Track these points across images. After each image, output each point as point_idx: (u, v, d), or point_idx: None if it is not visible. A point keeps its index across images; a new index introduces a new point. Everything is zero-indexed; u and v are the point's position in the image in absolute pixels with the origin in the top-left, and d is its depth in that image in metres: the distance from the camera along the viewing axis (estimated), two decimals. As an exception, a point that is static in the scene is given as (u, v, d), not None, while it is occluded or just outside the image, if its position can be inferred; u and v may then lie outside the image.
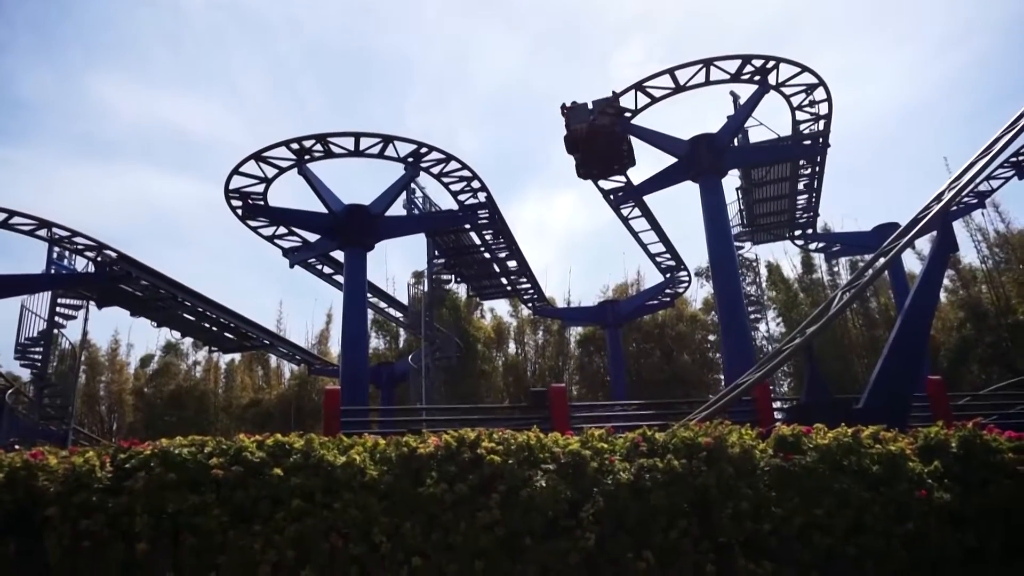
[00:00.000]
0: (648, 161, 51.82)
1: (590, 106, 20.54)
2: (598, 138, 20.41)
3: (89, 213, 72.17)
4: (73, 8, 75.77)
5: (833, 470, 5.44)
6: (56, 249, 21.56)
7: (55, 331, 21.93)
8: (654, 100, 20.12)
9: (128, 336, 54.35)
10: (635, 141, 21.03)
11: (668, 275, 29.24)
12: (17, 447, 5.21)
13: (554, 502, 4.96)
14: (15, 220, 20.11)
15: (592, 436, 5.59)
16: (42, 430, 19.83)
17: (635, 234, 25.61)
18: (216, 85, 73.77)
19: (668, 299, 31.11)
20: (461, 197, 22.55)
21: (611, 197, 23.10)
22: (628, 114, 20.41)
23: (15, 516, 4.49)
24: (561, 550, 4.84)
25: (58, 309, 22.01)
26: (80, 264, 22.22)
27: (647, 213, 24.27)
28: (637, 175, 22.19)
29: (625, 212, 24.20)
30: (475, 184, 22.03)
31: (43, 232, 20.85)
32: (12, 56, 71.41)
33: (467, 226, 23.72)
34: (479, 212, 22.87)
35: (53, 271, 21.51)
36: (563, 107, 20.62)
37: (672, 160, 20.64)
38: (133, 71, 71.15)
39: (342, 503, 4.76)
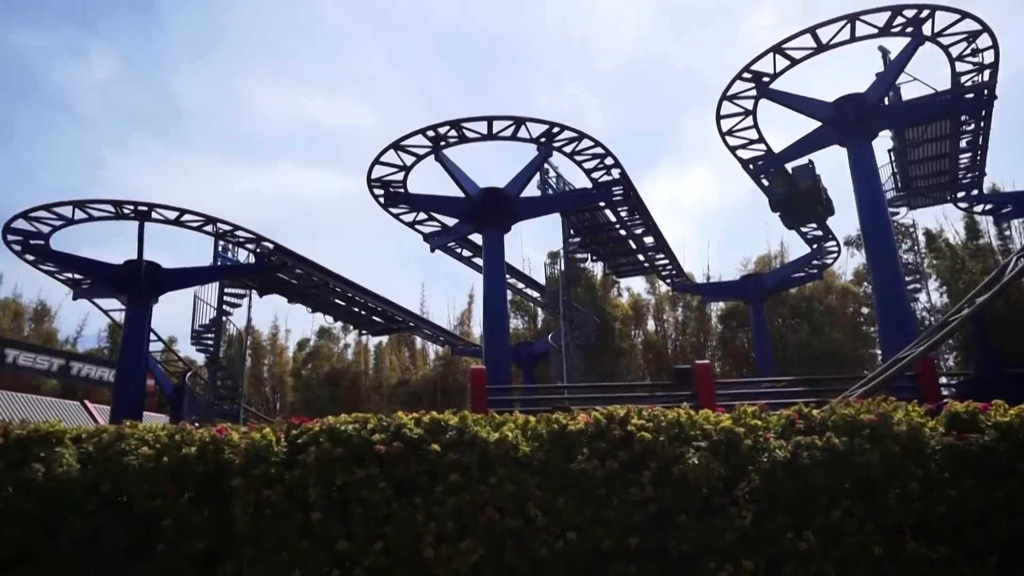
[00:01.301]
0: (789, 125, 49.44)
1: (789, 170, 22.45)
2: (803, 200, 23.15)
3: (245, 208, 77.54)
4: (219, 16, 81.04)
5: (1017, 450, 5.02)
6: (221, 243, 23.31)
7: (224, 318, 23.79)
8: (794, 62, 19.17)
9: (286, 322, 58.18)
10: (774, 107, 20.13)
11: (815, 246, 27.86)
12: (197, 424, 5.70)
13: (708, 479, 4.88)
14: (185, 217, 21.88)
15: (745, 413, 5.44)
16: (217, 409, 21.62)
17: (764, 188, 24.51)
18: (349, 79, 76.96)
19: (815, 271, 29.66)
20: (594, 175, 22.43)
21: (751, 167, 22.25)
22: (765, 79, 19.57)
23: (206, 486, 4.93)
24: (717, 528, 4.76)
25: (225, 298, 23.86)
26: (242, 256, 23.95)
27: (781, 170, 23.19)
28: (778, 141, 21.29)
29: (766, 181, 23.24)
30: (608, 161, 21.84)
31: (209, 228, 22.58)
32: (171, 68, 77.53)
33: (601, 204, 23.57)
34: (613, 189, 22.66)
35: (219, 263, 23.30)
36: (768, 170, 22.76)
37: (815, 124, 19.60)
38: (274, 72, 75.47)
39: (497, 478, 4.90)
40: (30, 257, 22.33)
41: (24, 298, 38.89)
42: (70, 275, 23.40)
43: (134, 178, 71.85)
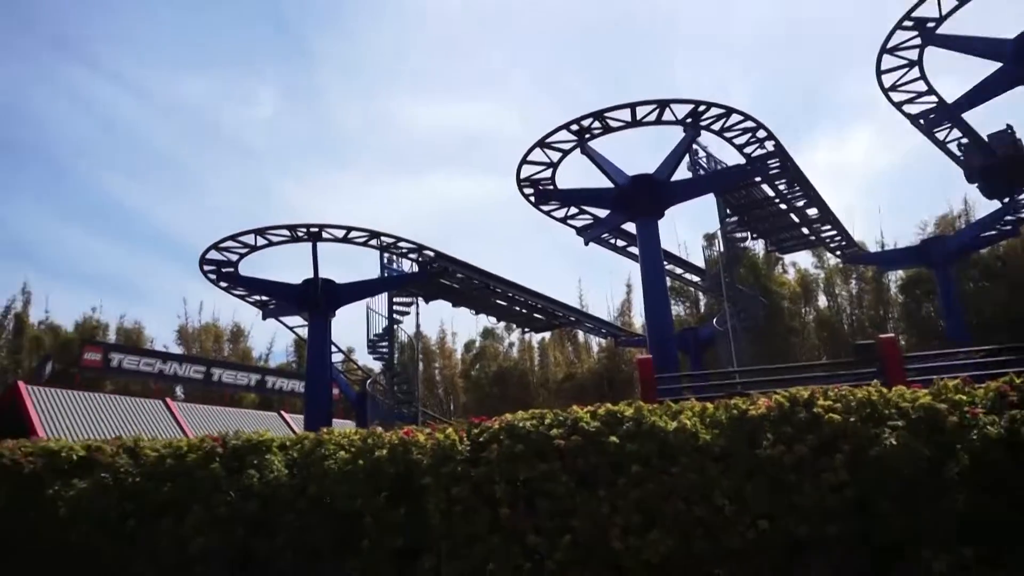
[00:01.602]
0: (962, 71, 45.02)
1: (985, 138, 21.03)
2: (1005, 168, 21.42)
3: (404, 220, 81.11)
4: (362, 40, 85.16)
5: None
6: (386, 255, 24.53)
7: (395, 326, 25.02)
8: (963, 1, 17.46)
9: (452, 325, 60.26)
10: (944, 54, 18.44)
11: (1006, 200, 25.21)
12: (379, 428, 6.01)
13: (910, 461, 4.54)
14: (352, 234, 23.20)
15: (945, 388, 5.00)
16: (397, 413, 22.77)
17: (957, 159, 22.45)
18: (489, 85, 78.41)
19: (1009, 227, 26.83)
20: (747, 150, 21.52)
21: (922, 122, 20.52)
22: (931, 24, 17.97)
23: (399, 485, 5.20)
24: (927, 513, 4.42)
25: (394, 307, 25.09)
26: (406, 266, 25.07)
27: (968, 132, 21.15)
28: (950, 92, 19.48)
29: (941, 135, 21.33)
30: (760, 134, 20.87)
31: (374, 242, 23.81)
32: (326, 95, 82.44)
33: (757, 179, 22.58)
34: (769, 162, 21.64)
35: (386, 275, 24.53)
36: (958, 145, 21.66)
37: (995, 66, 17.75)
38: (418, 86, 78.31)
39: (680, 467, 4.81)
40: (223, 284, 24.53)
41: (221, 321, 42.81)
42: (258, 297, 25.49)
43: (303, 202, 77.18)
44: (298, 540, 5.20)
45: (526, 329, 32.87)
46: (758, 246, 30.01)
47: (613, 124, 20.51)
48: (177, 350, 39.46)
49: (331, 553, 5.08)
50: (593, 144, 20.99)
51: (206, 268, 23.72)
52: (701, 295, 35.76)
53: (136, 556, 5.14)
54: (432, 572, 4.92)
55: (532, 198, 22.53)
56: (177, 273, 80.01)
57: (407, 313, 25.79)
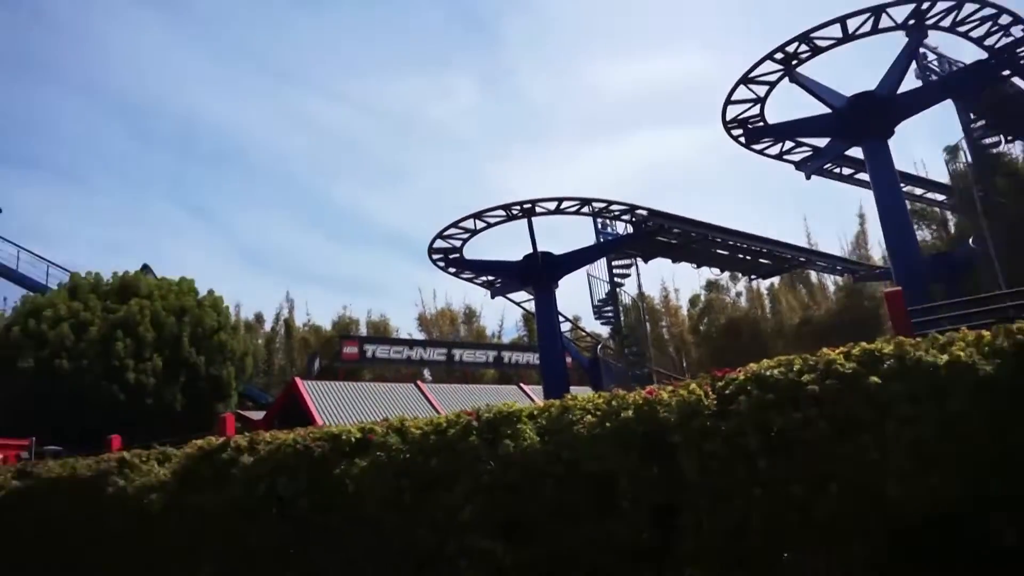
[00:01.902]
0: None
1: None
2: None
3: (612, 183, 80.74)
4: (544, 11, 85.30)
5: None
6: (599, 220, 24.59)
7: (616, 290, 25.09)
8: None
9: (674, 282, 59.20)
10: None
11: None
12: (620, 391, 6.01)
13: None
14: (564, 205, 23.52)
15: None
16: (631, 375, 22.88)
17: None
18: (677, 33, 75.29)
19: None
20: (988, 41, 18.82)
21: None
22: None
23: (647, 444, 5.20)
24: None
25: (614, 271, 25.13)
26: (620, 228, 24.97)
27: None
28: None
29: None
30: (1003, 20, 18.16)
31: (586, 209, 23.96)
32: (519, 74, 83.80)
33: (1006, 72, 19.70)
34: (1018, 51, 18.79)
35: (602, 240, 24.61)
36: None
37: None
38: (607, 47, 77.08)
39: (957, 405, 4.33)
40: (451, 269, 26.00)
41: (453, 305, 45.47)
42: (484, 278, 26.72)
43: (513, 181, 79.59)
44: (558, 503, 5.38)
45: (752, 277, 31.49)
46: (1015, 149, 26.23)
47: (822, 44, 18.88)
48: (419, 336, 42.57)
49: (591, 513, 5.21)
50: (801, 71, 19.49)
51: (434, 256, 25.26)
52: (949, 215, 32.03)
53: (416, 525, 5.59)
54: (693, 528, 4.88)
55: (742, 139, 21.43)
56: (410, 265, 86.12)
57: (627, 275, 25.75)
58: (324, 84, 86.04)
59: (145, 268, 32.61)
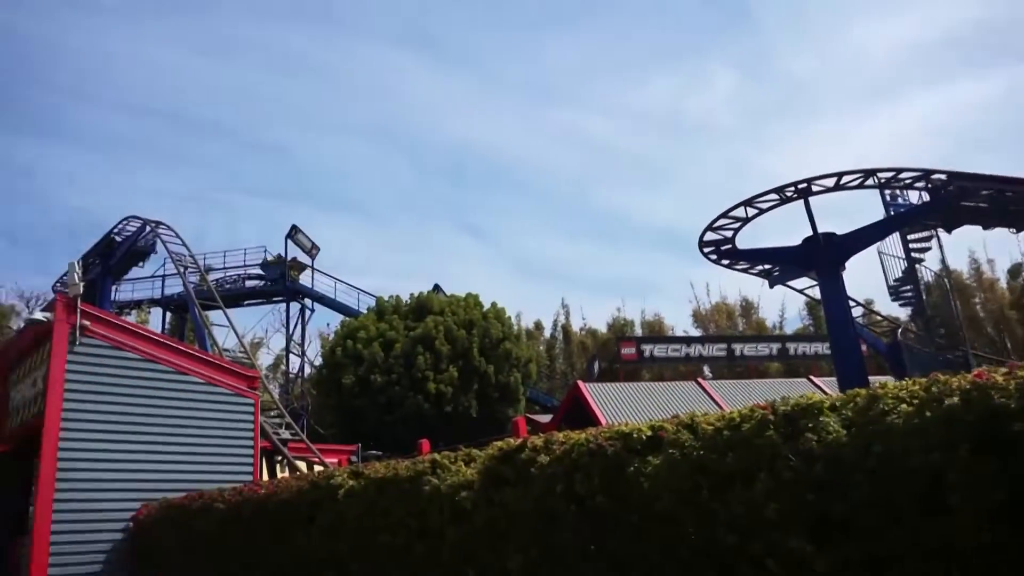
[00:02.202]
0: None
1: None
2: None
3: (895, 150, 72.79)
4: (812, -24, 79.40)
5: None
6: (887, 192, 22.24)
7: (915, 266, 22.48)
8: None
9: (985, 251, 51.99)
10: None
11: None
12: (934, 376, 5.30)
13: None
14: (844, 180, 21.59)
15: None
16: (940, 359, 20.36)
17: None
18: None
19: None
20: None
21: None
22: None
23: (979, 435, 4.54)
24: None
25: (910, 246, 22.56)
26: (913, 197, 22.36)
27: None
28: None
29: None
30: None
31: (870, 181, 21.76)
32: (776, 52, 78.96)
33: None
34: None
35: (892, 212, 22.22)
36: None
37: None
38: (874, 4, 69.73)
39: None
40: (724, 262, 25.09)
41: (729, 299, 43.95)
42: (760, 267, 25.42)
43: (780, 165, 75.07)
44: (871, 500, 4.89)
45: (1092, 236, 26.45)
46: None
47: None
48: (695, 333, 41.73)
49: (912, 512, 4.67)
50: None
51: (705, 250, 24.59)
52: None
53: (716, 523, 5.44)
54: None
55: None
56: (680, 262, 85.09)
57: (927, 249, 23.04)
58: (579, 96, 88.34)
59: (436, 288, 35.79)
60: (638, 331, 43.69)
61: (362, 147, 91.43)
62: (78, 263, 13.12)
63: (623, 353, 33.79)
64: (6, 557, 13.41)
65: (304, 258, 37.81)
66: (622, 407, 24.89)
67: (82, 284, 12.71)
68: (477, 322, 29.77)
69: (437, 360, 28.06)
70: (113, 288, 36.33)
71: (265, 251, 38.15)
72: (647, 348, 33.92)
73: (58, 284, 36.80)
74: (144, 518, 11.47)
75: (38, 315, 12.41)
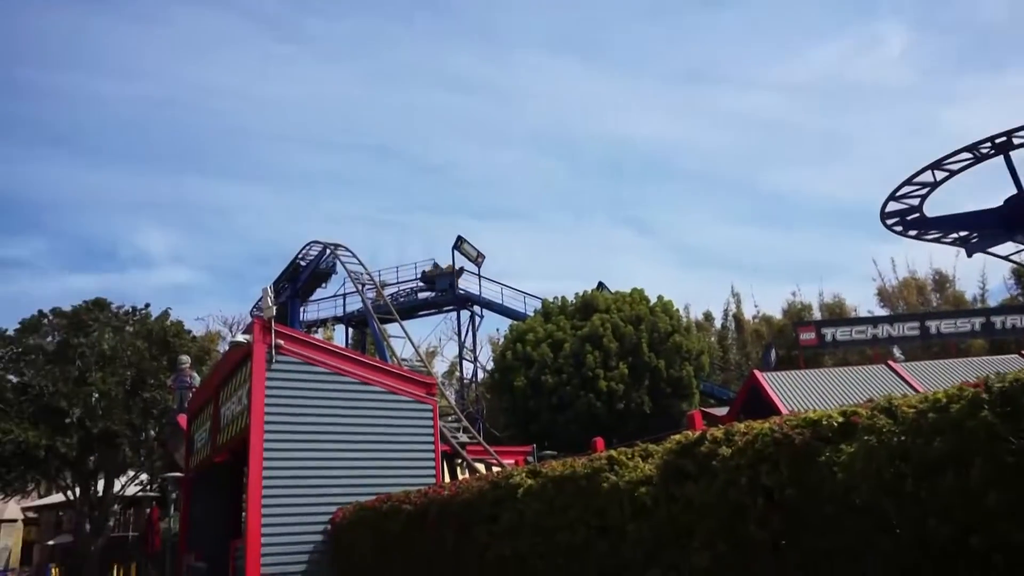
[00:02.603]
0: None
1: None
2: None
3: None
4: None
5: None
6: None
7: None
8: None
9: None
10: None
11: None
12: None
13: None
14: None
15: None
16: None
17: None
18: None
19: None
20: None
21: None
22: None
23: None
24: None
25: None
26: None
27: None
28: None
29: None
30: None
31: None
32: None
33: None
34: None
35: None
36: None
37: None
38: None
39: None
40: (911, 232, 23.12)
41: (918, 272, 40.44)
42: (954, 235, 23.17)
43: (966, 122, 68.30)
44: None
45: None
46: None
47: None
48: (881, 312, 38.79)
49: None
50: None
51: (889, 222, 22.77)
52: None
53: (925, 513, 4.93)
54: None
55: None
56: (858, 238, 79.54)
57: None
58: (738, 74, 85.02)
59: (600, 285, 35.64)
60: (816, 315, 41.20)
61: (521, 155, 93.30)
62: (270, 288, 14.29)
63: (802, 339, 31.97)
64: (226, 559, 14.75)
65: (471, 267, 38.98)
66: (805, 395, 23.55)
67: (274, 307, 13.78)
68: (644, 317, 29.32)
69: (606, 358, 27.91)
70: (301, 309, 39.28)
71: (434, 263, 39.69)
72: (828, 332, 31.85)
73: (254, 309, 40.26)
74: (340, 520, 12.18)
75: (239, 338, 13.47)
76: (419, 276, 39.35)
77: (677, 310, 31.51)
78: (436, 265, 39.76)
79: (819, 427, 5.54)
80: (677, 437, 6.62)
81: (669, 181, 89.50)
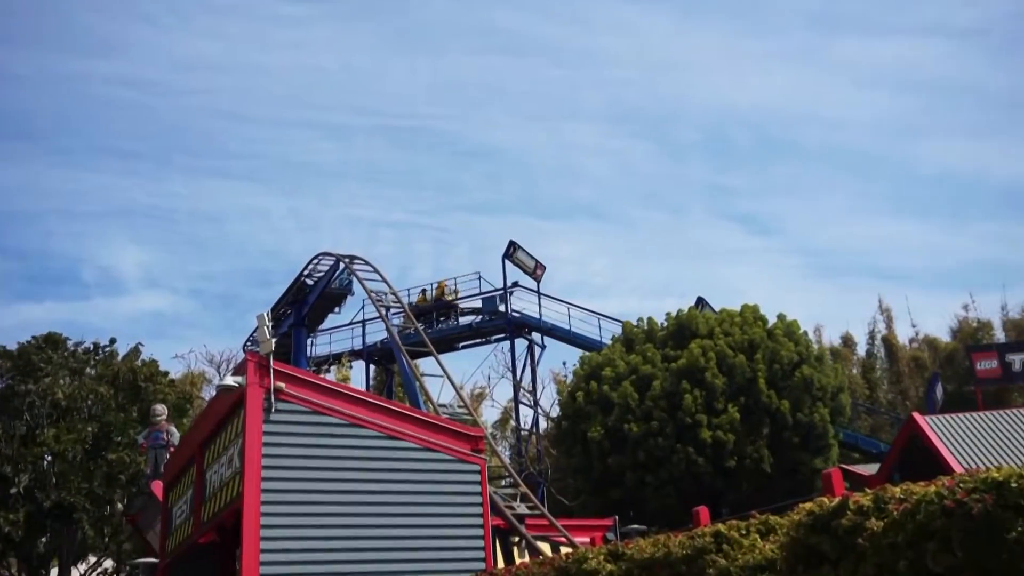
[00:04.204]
0: None
1: None
2: None
3: None
4: None
5: None
6: None
7: None
8: None
9: None
10: None
11: None
12: None
13: None
14: None
15: None
16: None
17: None
18: None
19: None
20: None
21: None
22: None
23: None
24: None
25: None
26: None
27: None
28: None
29: None
30: None
31: None
32: None
33: None
34: None
35: None
36: None
37: None
38: None
39: None
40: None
41: None
42: None
43: None
44: None
45: None
46: None
47: None
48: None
49: None
50: None
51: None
52: None
53: None
54: None
55: None
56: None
57: None
58: (877, 18, 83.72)
59: (700, 302, 35.39)
60: (999, 336, 40.13)
61: (596, 134, 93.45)
62: (267, 315, 14.47)
63: (979, 369, 31.19)
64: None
65: (528, 282, 39.05)
66: (985, 447, 22.90)
67: (274, 340, 13.97)
68: (761, 343, 28.94)
69: (710, 398, 27.61)
70: (309, 342, 39.85)
71: (479, 278, 39.93)
72: (1016, 359, 31.03)
73: (248, 342, 41.05)
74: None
75: (228, 381, 13.69)
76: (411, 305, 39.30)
77: (804, 333, 31.02)
78: (424, 294, 39.92)
79: (1007, 491, 5.37)
80: (808, 506, 6.48)
81: (793, 161, 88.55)
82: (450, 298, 39.72)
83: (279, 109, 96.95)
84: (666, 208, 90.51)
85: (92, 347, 35.50)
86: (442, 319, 39.96)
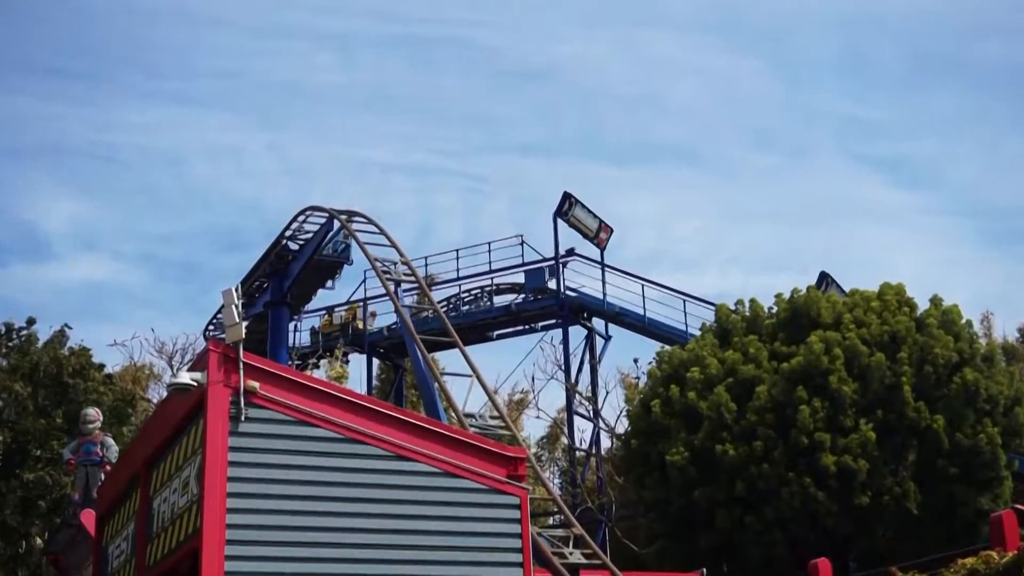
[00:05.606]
0: None
1: None
2: None
3: None
4: None
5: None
6: None
7: None
8: None
9: None
10: None
11: None
12: None
13: None
14: None
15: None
16: None
17: None
18: None
19: None
20: None
21: None
22: None
23: None
24: None
25: None
26: None
27: None
28: None
29: None
30: None
31: None
32: None
33: None
34: None
35: None
36: None
37: None
38: None
39: None
40: None
41: None
42: None
43: None
44: None
45: None
46: None
47: None
48: None
49: None
50: None
51: None
52: None
53: None
54: None
55: None
56: None
57: None
58: None
59: (824, 279, 35.13)
60: None
61: (685, 48, 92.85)
62: (237, 290, 14.37)
63: None
64: None
65: (588, 248, 38.90)
66: None
67: (245, 323, 13.93)
68: (907, 336, 28.61)
69: (834, 410, 27.39)
70: (292, 326, 39.95)
71: (522, 243, 39.83)
72: None
73: (211, 327, 41.34)
74: None
75: (183, 378, 13.62)
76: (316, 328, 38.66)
77: (969, 323, 30.68)
78: (329, 316, 39.99)
79: None
80: (970, 561, 6.47)
81: (955, 88, 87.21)
82: (361, 326, 39.63)
83: (261, 11, 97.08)
84: (781, 150, 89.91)
85: (3, 330, 35.76)
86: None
